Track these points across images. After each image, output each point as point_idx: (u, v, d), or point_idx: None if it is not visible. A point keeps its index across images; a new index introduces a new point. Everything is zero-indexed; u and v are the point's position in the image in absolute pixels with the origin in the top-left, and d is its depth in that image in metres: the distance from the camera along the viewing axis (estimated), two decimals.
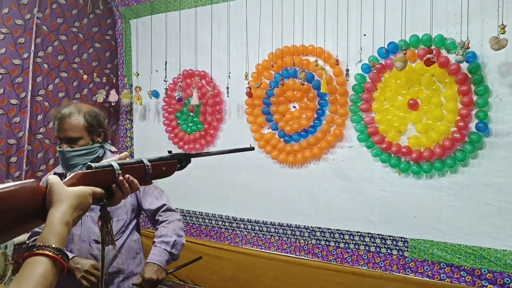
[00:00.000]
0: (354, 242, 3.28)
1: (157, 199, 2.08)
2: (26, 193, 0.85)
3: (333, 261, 3.37)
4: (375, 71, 3.01)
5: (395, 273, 3.11)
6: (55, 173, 2.02)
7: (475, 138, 2.73)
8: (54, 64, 4.08)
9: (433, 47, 2.79)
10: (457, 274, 2.90)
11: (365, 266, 3.24)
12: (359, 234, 3.25)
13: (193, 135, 4.01)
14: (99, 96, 4.38)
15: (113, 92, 4.40)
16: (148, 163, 1.08)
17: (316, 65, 3.20)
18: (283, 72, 3.42)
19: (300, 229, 3.50)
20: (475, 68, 2.69)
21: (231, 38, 3.72)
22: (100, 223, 1.04)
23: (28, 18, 3.83)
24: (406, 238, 3.07)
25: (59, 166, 2.04)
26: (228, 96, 3.67)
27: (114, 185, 1.01)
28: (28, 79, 3.85)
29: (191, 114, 3.99)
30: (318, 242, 3.43)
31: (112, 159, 1.05)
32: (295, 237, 3.53)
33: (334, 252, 3.37)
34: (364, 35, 3.11)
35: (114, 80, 4.56)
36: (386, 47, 2.98)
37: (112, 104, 4.43)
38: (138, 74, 4.22)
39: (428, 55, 2.68)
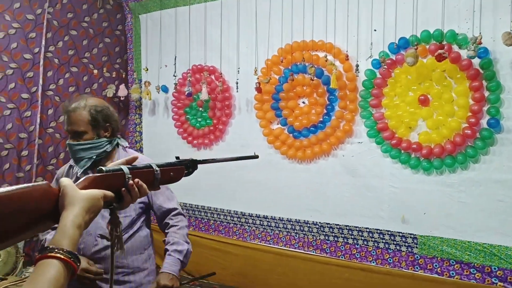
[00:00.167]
0: (363, 238, 3.27)
1: (169, 200, 2.09)
2: (38, 195, 0.85)
3: (342, 257, 3.36)
4: (385, 66, 2.99)
5: (404, 270, 3.10)
6: (70, 166, 2.04)
7: (486, 135, 2.71)
8: (65, 59, 4.10)
9: (444, 42, 2.76)
10: (466, 271, 2.88)
11: (373, 262, 3.23)
12: (368, 230, 3.24)
13: (202, 130, 4.01)
14: (109, 91, 4.41)
15: (122, 86, 4.42)
16: (157, 168, 1.08)
17: (326, 61, 3.18)
18: (292, 67, 3.41)
19: (308, 225, 3.50)
20: (487, 64, 2.67)
21: (241, 33, 3.71)
22: (109, 228, 1.05)
23: (39, 13, 3.86)
24: (415, 235, 3.06)
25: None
26: (237, 91, 3.66)
27: (123, 189, 1.01)
28: (39, 74, 3.88)
29: (200, 109, 4.00)
30: (326, 237, 3.43)
31: (119, 162, 1.06)
32: (304, 232, 3.53)
33: (342, 248, 3.37)
34: (375, 30, 3.09)
35: (123, 75, 4.59)
36: (397, 42, 2.96)
37: (122, 98, 4.45)
38: (147, 69, 4.24)
39: (440, 51, 2.66)
